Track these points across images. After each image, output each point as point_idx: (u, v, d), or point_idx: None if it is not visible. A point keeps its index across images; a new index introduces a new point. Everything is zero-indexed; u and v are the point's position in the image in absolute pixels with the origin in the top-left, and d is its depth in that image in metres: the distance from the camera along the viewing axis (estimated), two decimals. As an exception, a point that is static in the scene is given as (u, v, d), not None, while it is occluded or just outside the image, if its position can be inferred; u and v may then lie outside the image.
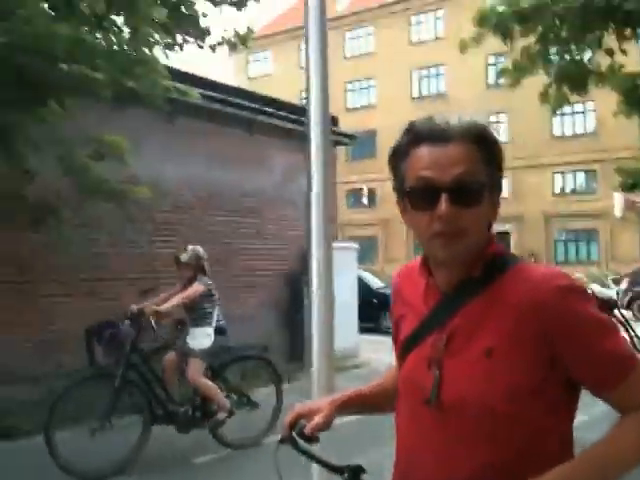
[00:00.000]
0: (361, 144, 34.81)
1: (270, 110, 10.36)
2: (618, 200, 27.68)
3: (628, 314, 15.85)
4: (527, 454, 1.26)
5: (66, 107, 6.17)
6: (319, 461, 1.46)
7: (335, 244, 11.91)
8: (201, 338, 5.82)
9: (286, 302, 10.12)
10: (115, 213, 7.57)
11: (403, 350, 1.44)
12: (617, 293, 16.67)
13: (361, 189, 37.15)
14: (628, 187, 13.79)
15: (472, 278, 1.33)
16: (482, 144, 1.31)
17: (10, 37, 5.22)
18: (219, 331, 5.97)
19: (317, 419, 1.49)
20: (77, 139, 6.62)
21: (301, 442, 1.48)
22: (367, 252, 36.18)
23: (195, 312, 5.86)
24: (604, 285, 18.78)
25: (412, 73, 36.51)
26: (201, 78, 9.33)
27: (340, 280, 11.27)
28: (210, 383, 5.80)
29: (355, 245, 12.29)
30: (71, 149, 6.55)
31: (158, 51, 6.71)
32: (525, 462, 1.25)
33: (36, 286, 7.25)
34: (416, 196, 1.31)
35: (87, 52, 5.82)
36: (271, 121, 10.34)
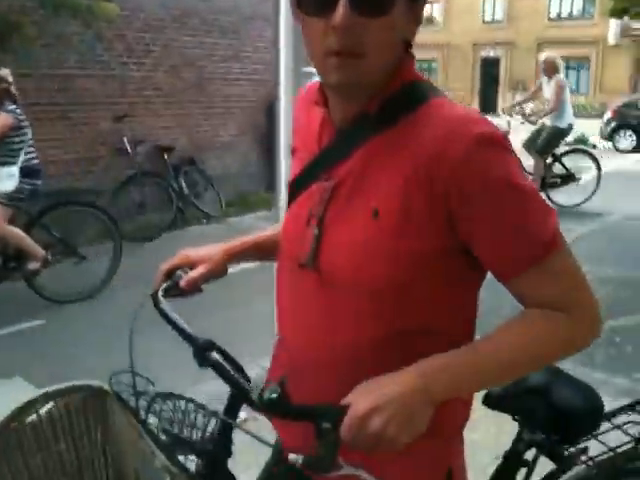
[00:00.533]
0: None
1: None
2: (613, 26, 26.71)
3: (608, 144, 15.92)
4: (415, 331, 1.04)
5: None
6: (175, 327, 1.15)
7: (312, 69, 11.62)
8: (4, 179, 5.00)
9: (265, 129, 9.98)
10: (82, 32, 7.18)
11: (289, 197, 1.18)
12: (601, 125, 16.57)
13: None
14: (618, 12, 13.23)
15: (369, 115, 1.04)
16: None
17: None
18: (32, 173, 5.20)
19: (199, 269, 1.25)
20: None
21: (163, 301, 1.19)
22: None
23: (0, 149, 5.00)
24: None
25: None
26: None
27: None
28: (15, 230, 5.08)
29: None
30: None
31: None
32: (409, 340, 1.04)
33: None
34: None
35: None
36: None
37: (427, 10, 34.01)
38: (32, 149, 5.28)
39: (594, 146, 15.34)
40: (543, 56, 8.83)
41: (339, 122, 1.09)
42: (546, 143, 8.50)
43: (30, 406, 1.18)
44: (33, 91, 7.19)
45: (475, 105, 25.72)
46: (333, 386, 1.04)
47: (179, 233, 7.56)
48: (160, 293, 1.21)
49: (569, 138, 10.43)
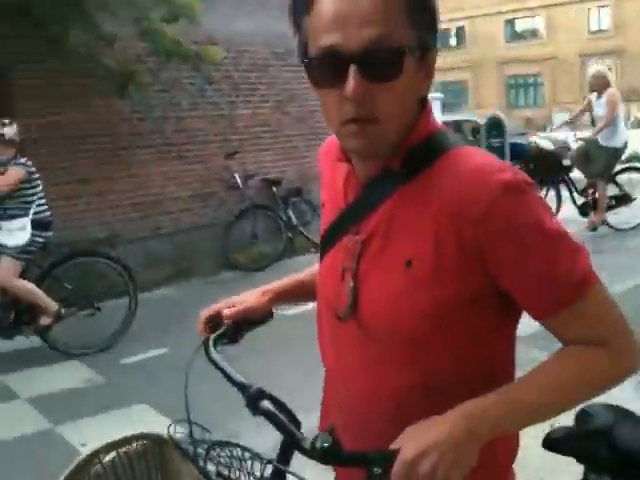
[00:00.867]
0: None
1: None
2: None
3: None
4: (454, 376, 1.06)
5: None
6: (226, 375, 1.15)
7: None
8: (16, 232, 4.92)
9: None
10: (194, 75, 7.63)
11: (321, 251, 1.21)
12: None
13: (449, 29, 35.11)
14: None
15: (392, 170, 1.05)
16: None
17: None
18: (43, 225, 5.10)
19: (241, 305, 1.30)
20: (150, 1, 6.56)
21: (214, 349, 1.21)
22: (456, 98, 34.89)
23: (12, 201, 4.96)
24: None
25: None
26: None
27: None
28: (28, 285, 4.98)
29: (439, 95, 11.86)
30: (145, 12, 6.53)
31: None
32: (453, 384, 1.06)
33: (128, 152, 7.54)
34: (318, 70, 1.00)
35: None
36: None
37: (530, 23, 33.30)
38: (43, 201, 5.19)
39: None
40: (592, 70, 8.19)
41: (364, 177, 1.10)
42: (604, 166, 7.94)
43: (94, 456, 1.23)
44: (149, 133, 7.69)
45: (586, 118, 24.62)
46: (381, 431, 1.04)
47: (289, 262, 7.76)
48: (211, 342, 1.22)
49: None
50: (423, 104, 1.08)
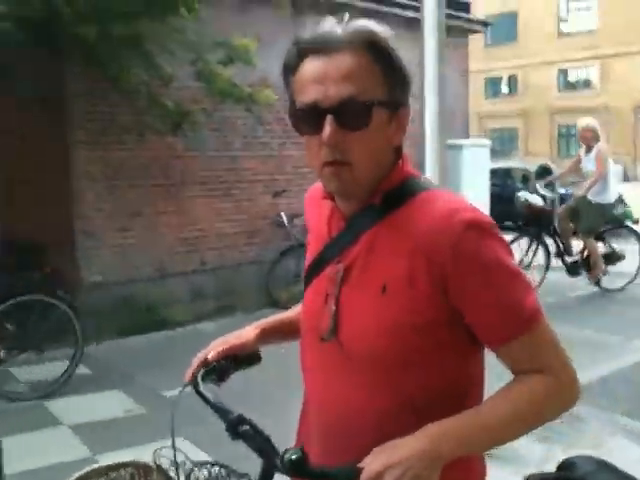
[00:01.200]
0: (500, 27, 32.78)
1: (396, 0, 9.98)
2: None
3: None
4: (427, 397, 1.16)
5: (194, 12, 6.31)
6: (211, 405, 1.25)
7: (464, 141, 11.55)
8: None
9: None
10: (246, 116, 7.83)
11: (305, 281, 1.32)
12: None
13: (500, 77, 35.20)
14: None
15: (373, 205, 1.19)
16: (376, 52, 1.13)
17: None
18: None
19: (228, 342, 1.40)
20: (207, 44, 6.81)
21: (202, 385, 1.30)
22: (507, 145, 34.73)
23: None
24: None
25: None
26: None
27: (469, 180, 11.01)
28: None
29: (487, 141, 11.84)
30: (202, 54, 6.77)
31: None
32: (419, 409, 1.15)
33: (179, 188, 7.74)
34: (301, 119, 1.16)
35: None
36: (395, 11, 9.96)
37: (583, 74, 33.09)
38: None
39: (637, 221, 13.03)
40: (582, 123, 7.91)
41: (347, 213, 1.23)
42: (592, 223, 7.72)
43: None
44: (200, 171, 7.90)
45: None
46: (356, 449, 1.12)
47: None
48: (199, 378, 1.32)
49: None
50: (399, 152, 1.23)
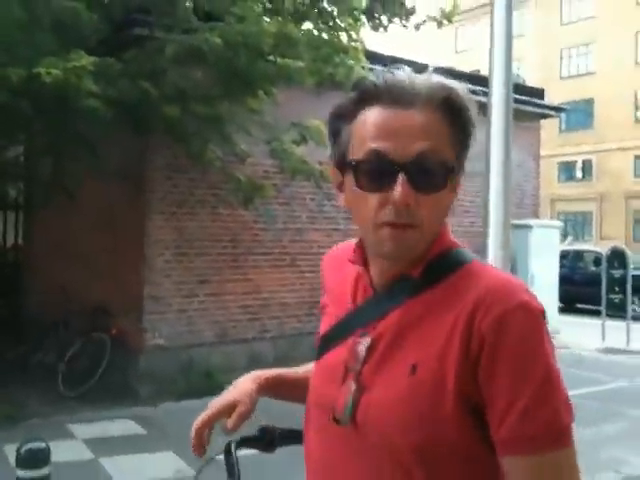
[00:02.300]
0: (576, 114, 32.71)
1: (469, 86, 10.23)
2: None
3: None
4: None
5: (271, 96, 6.72)
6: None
7: (533, 222, 11.45)
8: None
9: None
10: (314, 192, 8.12)
11: (319, 350, 1.18)
12: None
13: (575, 162, 34.88)
14: None
15: (410, 277, 1.07)
16: (450, 113, 1.03)
17: (224, 37, 5.80)
18: None
19: (239, 409, 1.21)
20: (282, 125, 7.19)
21: (234, 453, 1.20)
22: (579, 229, 34.01)
23: None
24: None
25: (638, 36, 33.20)
26: (401, 60, 9.47)
27: (539, 260, 10.86)
28: None
29: (557, 223, 11.75)
30: (277, 134, 7.14)
31: (363, 34, 6.97)
32: None
33: (246, 258, 8.02)
34: (365, 173, 1.03)
35: (291, 45, 6.28)
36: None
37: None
38: None
39: None
40: None
41: (379, 281, 1.11)
42: None
43: None
44: (268, 242, 8.18)
45: None
46: None
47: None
48: (234, 446, 1.23)
49: None
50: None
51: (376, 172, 1.01)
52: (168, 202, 7.41)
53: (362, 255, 1.13)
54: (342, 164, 1.08)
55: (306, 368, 1.36)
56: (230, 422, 1.20)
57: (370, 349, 1.07)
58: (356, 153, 1.04)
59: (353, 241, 1.20)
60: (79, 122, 6.08)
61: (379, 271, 1.10)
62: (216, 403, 1.24)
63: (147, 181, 7.32)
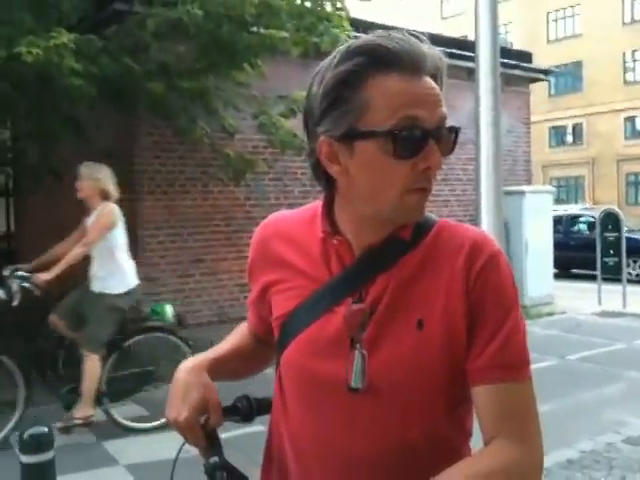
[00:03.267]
0: (565, 77, 32.55)
1: (457, 52, 10.11)
2: None
3: None
4: (455, 434, 1.11)
5: (257, 68, 6.61)
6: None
7: (526, 188, 11.44)
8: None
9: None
10: (306, 166, 8.04)
11: (286, 328, 1.15)
12: None
13: (565, 126, 34.82)
14: None
15: (397, 239, 1.10)
16: (439, 82, 1.07)
17: (205, 8, 5.68)
18: None
19: (212, 404, 1.19)
20: (269, 97, 7.09)
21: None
22: (571, 193, 34.06)
23: None
24: None
25: (624, -6, 32.96)
26: (387, 26, 9.33)
27: (533, 226, 10.89)
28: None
29: (550, 188, 11.72)
30: (264, 107, 7.04)
31: (347, 1, 6.81)
32: (454, 441, 1.11)
33: (240, 235, 7.96)
34: (401, 140, 1.01)
35: (274, 14, 6.15)
36: (457, 62, 10.09)
37: (652, 122, 32.34)
38: None
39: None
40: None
41: (358, 247, 1.11)
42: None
43: None
44: (261, 218, 8.04)
45: None
46: None
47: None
48: (207, 467, 1.18)
49: None
50: None
51: (412, 139, 1.02)
52: (158, 181, 7.33)
53: (333, 221, 1.13)
54: (351, 133, 1.03)
55: (226, 344, 1.35)
56: (214, 420, 1.18)
57: (370, 313, 1.08)
58: (383, 121, 1.01)
59: (286, 212, 1.26)
60: (64, 102, 5.97)
61: (358, 238, 1.11)
62: (188, 406, 1.18)
63: (135, 161, 7.23)
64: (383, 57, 1.01)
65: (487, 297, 1.06)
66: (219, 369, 1.25)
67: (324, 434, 1.11)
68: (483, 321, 1.05)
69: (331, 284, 1.11)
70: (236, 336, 1.37)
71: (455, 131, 1.06)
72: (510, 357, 1.05)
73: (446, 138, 1.05)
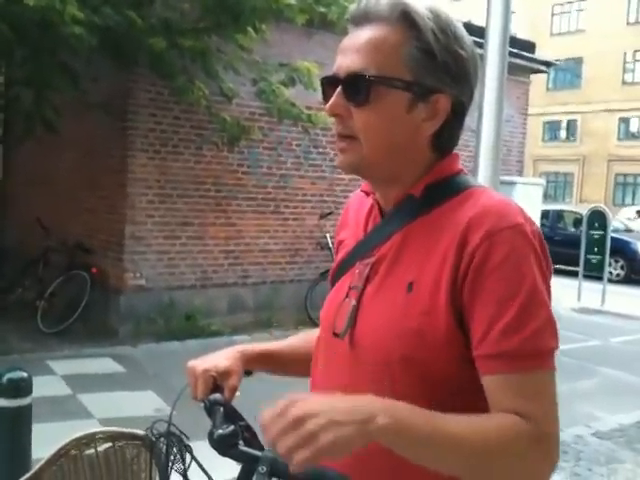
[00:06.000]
0: (564, 72, 32.52)
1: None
2: None
3: None
4: (425, 404, 0.95)
5: (261, 33, 6.51)
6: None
7: (518, 179, 11.44)
8: None
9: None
10: (301, 137, 7.99)
11: (332, 279, 1.23)
12: None
13: (559, 121, 34.88)
14: None
15: (412, 198, 1.10)
16: (413, 29, 1.04)
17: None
18: None
19: (232, 381, 1.21)
20: (270, 64, 7.00)
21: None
22: (560, 189, 34.25)
23: None
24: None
25: (631, -6, 32.83)
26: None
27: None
28: None
29: (541, 181, 11.76)
30: (265, 74, 6.96)
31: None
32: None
33: (229, 202, 7.91)
34: (324, 89, 1.12)
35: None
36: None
37: (646, 125, 32.46)
38: None
39: None
40: None
41: (385, 206, 1.15)
42: None
43: (91, 439, 1.34)
44: (252, 187, 8.05)
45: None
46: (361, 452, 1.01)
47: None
48: (207, 402, 1.19)
49: None
50: (442, 147, 1.12)
51: (327, 88, 1.11)
52: (151, 140, 7.23)
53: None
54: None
55: (292, 341, 1.39)
56: (227, 392, 1.20)
57: (373, 270, 1.11)
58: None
59: None
60: (62, 51, 5.85)
61: (383, 197, 1.15)
62: (213, 362, 1.23)
63: (130, 117, 7.12)
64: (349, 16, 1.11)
65: (483, 278, 0.97)
66: (266, 360, 1.32)
67: (323, 370, 1.18)
68: (480, 305, 0.98)
69: (362, 241, 1.17)
70: (300, 337, 1.42)
71: (364, 82, 1.05)
72: (512, 347, 0.95)
73: (355, 86, 1.06)
